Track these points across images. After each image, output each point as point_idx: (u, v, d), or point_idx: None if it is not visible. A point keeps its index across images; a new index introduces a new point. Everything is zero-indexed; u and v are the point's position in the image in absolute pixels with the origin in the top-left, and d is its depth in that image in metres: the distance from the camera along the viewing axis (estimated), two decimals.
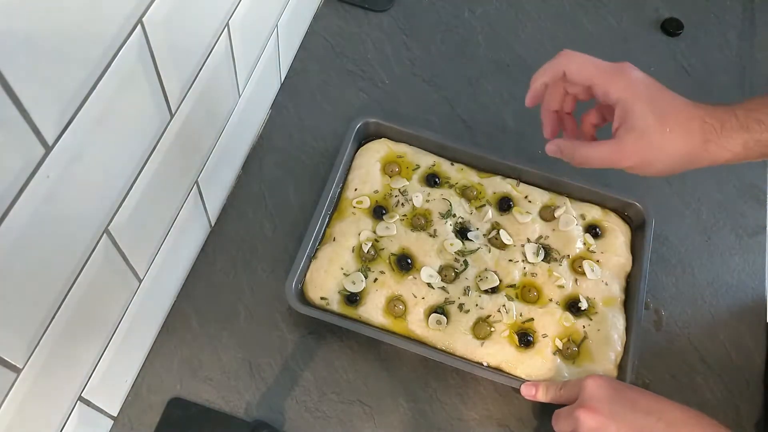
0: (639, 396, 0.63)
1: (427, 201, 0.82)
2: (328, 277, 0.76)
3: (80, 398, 0.62)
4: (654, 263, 0.84)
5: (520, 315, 0.76)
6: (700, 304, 0.83)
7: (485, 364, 0.74)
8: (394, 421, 0.74)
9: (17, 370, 0.49)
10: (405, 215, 0.81)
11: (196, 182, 0.73)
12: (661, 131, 0.61)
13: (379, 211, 0.81)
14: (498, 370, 0.74)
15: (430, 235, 0.79)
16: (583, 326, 0.76)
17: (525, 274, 0.79)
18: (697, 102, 0.64)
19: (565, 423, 0.64)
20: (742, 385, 0.78)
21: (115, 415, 0.71)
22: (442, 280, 0.77)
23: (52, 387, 0.56)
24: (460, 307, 0.76)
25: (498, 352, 0.74)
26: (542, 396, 0.70)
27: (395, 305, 0.75)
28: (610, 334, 0.75)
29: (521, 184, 0.85)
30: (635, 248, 0.82)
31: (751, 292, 0.85)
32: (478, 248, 0.79)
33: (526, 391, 0.71)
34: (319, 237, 0.80)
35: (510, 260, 0.79)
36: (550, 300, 0.77)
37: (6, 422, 0.50)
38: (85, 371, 0.61)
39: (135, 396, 0.73)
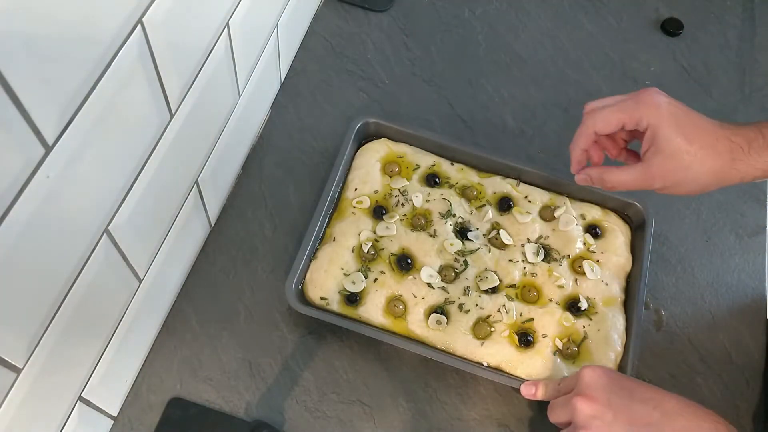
0: (636, 385, 0.63)
1: (427, 201, 0.82)
2: (328, 277, 0.76)
3: (80, 398, 0.62)
4: (654, 263, 0.84)
5: (520, 315, 0.76)
6: (700, 304, 0.83)
7: (485, 364, 0.74)
8: (394, 421, 0.74)
9: (17, 370, 0.49)
10: (405, 215, 0.81)
11: (196, 182, 0.73)
12: (688, 152, 0.63)
13: (379, 211, 0.81)
14: (498, 370, 0.74)
15: (430, 235, 0.79)
16: (583, 326, 0.76)
17: (525, 274, 0.79)
18: (722, 122, 0.65)
19: (562, 412, 0.64)
20: (742, 384, 0.78)
21: (115, 415, 0.71)
22: (442, 280, 0.77)
23: (52, 387, 0.56)
24: (460, 307, 0.76)
25: (498, 352, 0.74)
26: (542, 394, 0.70)
27: (395, 305, 0.75)
28: (610, 334, 0.75)
29: (521, 184, 0.85)
30: (635, 248, 0.82)
31: (751, 292, 0.85)
32: (478, 248, 0.79)
33: (526, 391, 0.71)
34: (319, 237, 0.80)
35: (510, 260, 0.79)
36: (550, 300, 0.77)
37: (6, 422, 0.50)
38: (85, 371, 0.61)
39: (135, 396, 0.73)
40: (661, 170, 0.64)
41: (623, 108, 0.66)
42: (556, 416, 0.65)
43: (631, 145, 0.73)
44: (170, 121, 0.61)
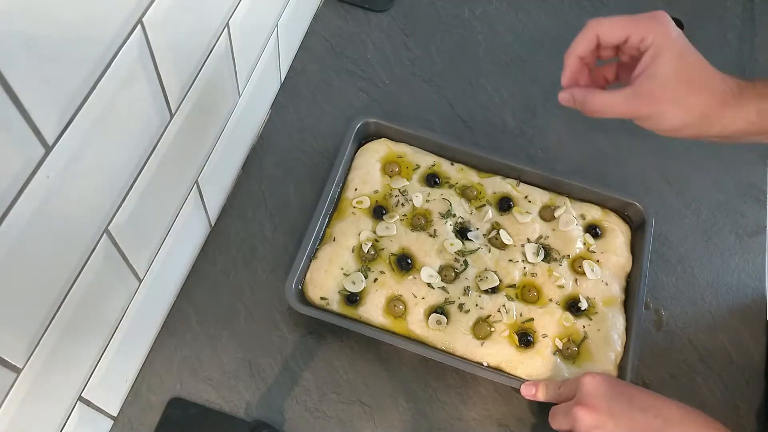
0: (636, 393, 0.63)
1: (427, 201, 0.82)
2: (328, 277, 0.76)
3: (80, 398, 0.62)
4: (654, 263, 0.84)
5: (520, 315, 0.76)
6: (700, 304, 0.83)
7: (485, 364, 0.74)
8: (394, 421, 0.74)
9: (17, 370, 0.49)
10: (405, 215, 0.81)
11: (196, 182, 0.73)
12: (681, 82, 0.60)
13: (379, 211, 0.81)
14: (498, 370, 0.74)
15: (430, 235, 0.79)
16: (583, 326, 0.76)
17: (525, 274, 0.79)
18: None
19: (564, 420, 0.64)
20: (742, 385, 0.79)
21: (115, 415, 0.71)
22: (442, 280, 0.77)
23: (52, 387, 0.56)
24: (460, 307, 0.76)
25: (498, 352, 0.74)
26: (542, 395, 0.70)
27: (395, 305, 0.75)
28: (610, 334, 0.75)
29: (521, 184, 0.85)
30: (635, 248, 0.82)
31: (751, 292, 0.85)
32: (478, 248, 0.79)
33: (526, 391, 0.71)
34: (319, 237, 0.80)
35: (510, 260, 0.79)
36: (550, 300, 0.77)
37: (6, 422, 0.50)
38: (85, 371, 0.61)
39: (135, 396, 0.73)
40: (651, 96, 0.60)
41: (633, 19, 0.63)
42: (557, 424, 0.65)
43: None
44: (170, 121, 0.61)
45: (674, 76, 0.60)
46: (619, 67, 0.68)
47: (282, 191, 0.86)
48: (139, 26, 0.50)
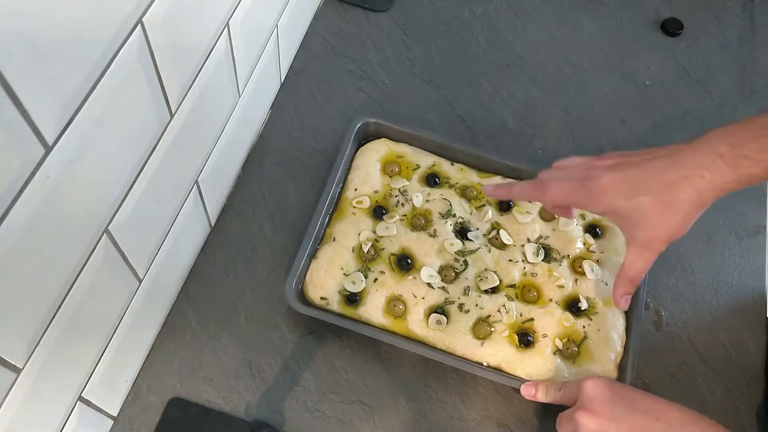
0: (637, 396, 0.63)
1: (427, 201, 0.82)
2: (328, 277, 0.76)
3: (80, 398, 0.62)
4: (654, 263, 0.84)
5: (520, 315, 0.76)
6: (700, 304, 0.83)
7: (485, 364, 0.74)
8: (394, 421, 0.74)
9: (17, 370, 0.49)
10: (405, 215, 0.81)
11: (196, 182, 0.73)
12: (660, 213, 0.64)
13: (379, 211, 0.81)
14: (498, 370, 0.74)
15: (430, 235, 0.79)
16: (583, 326, 0.76)
17: (525, 274, 0.79)
18: (672, 156, 0.64)
19: (567, 425, 0.64)
20: (742, 385, 0.78)
21: (115, 415, 0.71)
22: (442, 280, 0.77)
23: (52, 387, 0.56)
24: (460, 307, 0.76)
25: (498, 352, 0.74)
26: (542, 396, 0.70)
27: (395, 305, 0.75)
28: (610, 334, 0.75)
29: None
30: None
31: (751, 292, 0.85)
32: (478, 248, 0.79)
33: (526, 392, 0.71)
34: (319, 237, 0.80)
35: (510, 260, 0.79)
36: (550, 300, 0.77)
37: (6, 422, 0.50)
38: (85, 371, 0.61)
39: (135, 396, 0.73)
40: (650, 238, 0.65)
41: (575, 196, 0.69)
42: (563, 430, 0.65)
43: None
44: (170, 121, 0.61)
45: (650, 213, 0.64)
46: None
47: (282, 191, 0.86)
48: (139, 26, 0.50)
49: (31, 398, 0.52)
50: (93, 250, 0.54)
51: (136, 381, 0.74)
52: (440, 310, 0.76)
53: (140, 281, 0.66)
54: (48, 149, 0.44)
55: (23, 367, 0.50)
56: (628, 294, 0.71)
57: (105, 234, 0.55)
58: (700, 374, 0.79)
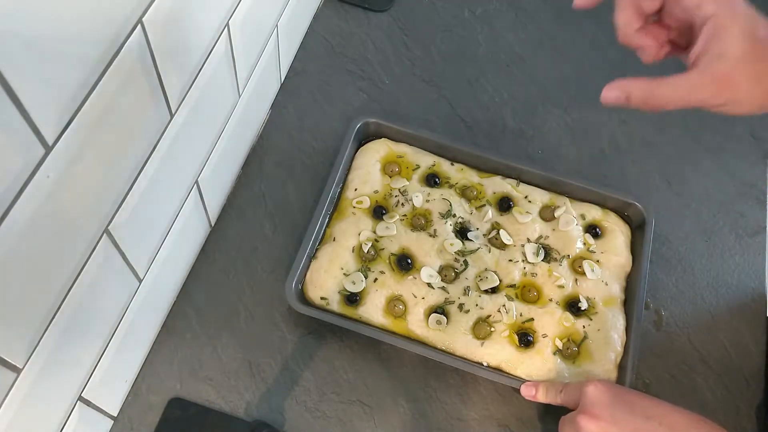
0: (639, 400, 0.63)
1: (427, 201, 0.82)
2: (328, 277, 0.76)
3: (80, 398, 0.62)
4: (654, 263, 0.84)
5: (520, 315, 0.76)
6: (700, 304, 0.83)
7: (485, 364, 0.74)
8: (394, 421, 0.74)
9: (17, 370, 0.49)
10: (405, 215, 0.81)
11: (196, 182, 0.73)
12: (758, 61, 0.50)
13: (379, 211, 0.81)
14: (498, 370, 0.74)
15: (430, 235, 0.79)
16: (583, 326, 0.76)
17: (525, 274, 0.79)
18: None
19: (569, 428, 0.64)
20: (742, 385, 0.79)
21: (115, 415, 0.71)
22: (442, 280, 0.77)
23: (52, 387, 0.56)
24: (460, 307, 0.76)
25: (498, 352, 0.74)
26: (542, 397, 0.70)
27: (395, 305, 0.75)
28: (610, 334, 0.75)
29: (521, 184, 0.85)
30: (635, 248, 0.82)
31: (751, 292, 0.85)
32: (478, 248, 0.79)
33: (526, 392, 0.71)
34: (319, 237, 0.80)
35: (510, 260, 0.79)
36: (550, 300, 0.77)
37: (6, 422, 0.50)
38: (85, 371, 0.61)
39: (135, 396, 0.73)
40: (724, 81, 0.50)
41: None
42: None
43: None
44: (170, 121, 0.61)
45: (749, 53, 0.50)
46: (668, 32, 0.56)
47: (282, 191, 0.86)
48: (139, 26, 0.50)
49: (31, 398, 0.52)
50: (93, 250, 0.54)
51: (136, 381, 0.74)
52: (440, 310, 0.76)
53: (140, 281, 0.66)
54: (48, 149, 0.44)
55: (23, 367, 0.50)
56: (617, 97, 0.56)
57: (105, 234, 0.55)
58: (700, 374, 0.79)
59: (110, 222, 0.56)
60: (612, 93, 0.56)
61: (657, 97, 0.53)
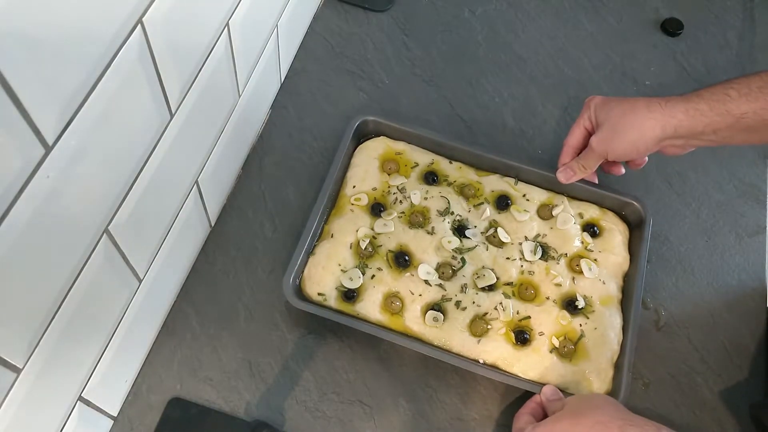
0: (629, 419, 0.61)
1: (425, 198, 0.82)
2: (325, 273, 0.76)
3: (80, 398, 0.62)
4: (654, 263, 0.84)
5: (517, 313, 0.76)
6: (700, 304, 0.83)
7: (481, 361, 0.74)
8: (394, 421, 0.74)
9: (17, 370, 0.49)
10: (403, 212, 0.81)
11: (196, 182, 0.73)
12: (614, 117, 0.76)
13: (377, 209, 0.81)
14: (494, 367, 0.74)
15: (428, 233, 0.79)
16: (580, 324, 0.76)
17: (522, 272, 0.79)
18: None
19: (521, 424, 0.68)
20: (742, 384, 0.78)
21: (115, 415, 0.71)
22: (439, 278, 0.77)
23: (52, 387, 0.56)
24: (457, 304, 0.76)
25: (494, 350, 0.74)
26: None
27: (392, 302, 0.75)
28: (606, 332, 0.75)
29: (519, 182, 0.85)
30: (633, 247, 0.82)
31: (751, 292, 0.85)
32: (476, 246, 0.79)
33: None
34: (318, 233, 0.80)
35: (507, 258, 0.79)
36: (547, 298, 0.77)
37: (6, 422, 0.50)
38: (85, 371, 0.62)
39: (135, 396, 0.73)
40: (602, 139, 0.76)
41: (579, 120, 0.80)
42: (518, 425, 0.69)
43: None
44: (170, 121, 0.61)
45: (608, 117, 0.76)
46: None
47: (282, 191, 0.86)
48: (139, 26, 0.50)
49: (31, 398, 0.52)
50: (93, 250, 0.54)
51: (136, 381, 0.74)
52: (437, 307, 0.76)
53: (140, 281, 0.66)
54: (48, 149, 0.44)
55: (23, 367, 0.50)
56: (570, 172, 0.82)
57: (105, 234, 0.55)
58: (700, 374, 0.79)
59: (110, 222, 0.56)
60: (565, 174, 0.82)
61: (584, 166, 0.81)
